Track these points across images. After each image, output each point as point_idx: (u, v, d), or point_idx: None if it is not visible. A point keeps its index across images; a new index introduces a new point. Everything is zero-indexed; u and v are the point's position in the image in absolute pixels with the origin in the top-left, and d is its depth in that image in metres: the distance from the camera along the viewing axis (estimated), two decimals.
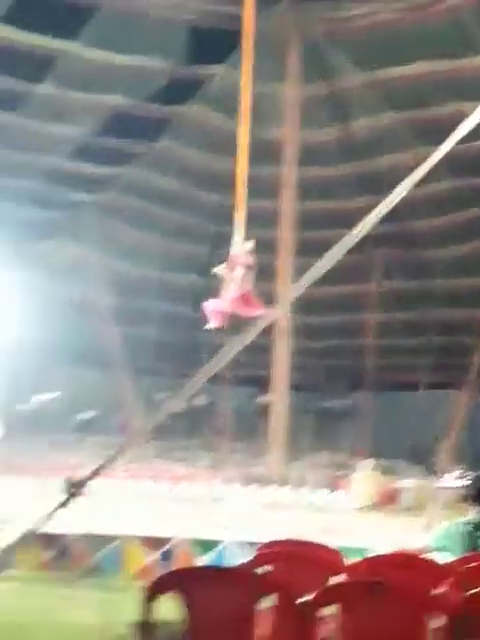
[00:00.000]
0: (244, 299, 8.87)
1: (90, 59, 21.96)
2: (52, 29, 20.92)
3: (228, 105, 24.80)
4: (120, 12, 21.19)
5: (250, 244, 9.36)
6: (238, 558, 5.54)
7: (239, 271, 9.03)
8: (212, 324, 8.97)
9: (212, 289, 30.53)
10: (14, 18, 20.52)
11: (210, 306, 9.00)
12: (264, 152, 25.65)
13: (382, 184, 18.72)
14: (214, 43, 22.76)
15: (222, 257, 30.10)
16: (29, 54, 21.38)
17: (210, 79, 24.16)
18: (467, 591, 3.69)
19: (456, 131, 13.29)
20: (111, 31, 21.45)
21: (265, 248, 24.70)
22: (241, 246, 9.34)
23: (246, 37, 10.54)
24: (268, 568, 4.03)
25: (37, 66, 21.80)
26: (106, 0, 20.64)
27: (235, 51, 24.00)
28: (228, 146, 25.61)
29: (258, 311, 9.20)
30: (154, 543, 6.41)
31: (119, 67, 22.34)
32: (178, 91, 23.74)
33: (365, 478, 20.93)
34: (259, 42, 23.26)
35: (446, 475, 22.49)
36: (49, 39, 21.18)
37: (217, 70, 23.96)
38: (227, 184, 27.07)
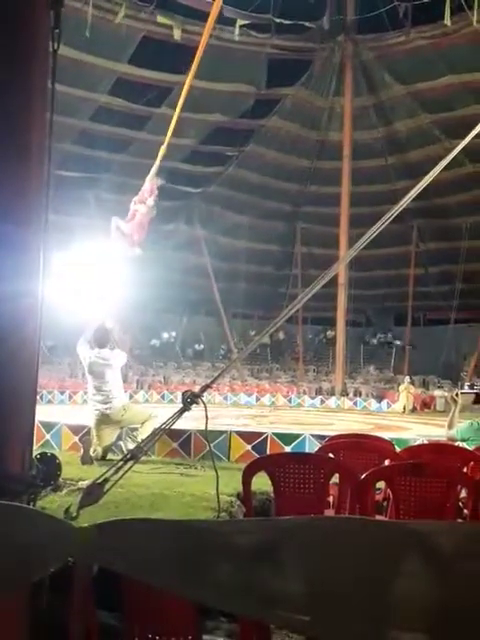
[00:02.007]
0: (139, 228, 7.36)
1: (197, 87, 21.95)
2: (167, 66, 20.94)
3: (297, 116, 24.49)
4: (216, 49, 21.05)
5: (160, 180, 8.06)
6: (314, 448, 5.52)
7: (149, 202, 7.55)
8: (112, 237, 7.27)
9: (286, 255, 30.48)
10: (138, 59, 20.79)
11: (116, 223, 7.29)
12: (327, 150, 25.25)
13: (418, 170, 18.21)
14: (287, 70, 22.61)
15: (293, 231, 29.98)
16: (150, 85, 21.60)
17: (284, 98, 23.90)
18: None
19: (475, 128, 12.74)
20: (211, 65, 21.36)
21: (330, 222, 24.59)
22: (153, 180, 7.83)
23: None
24: (333, 454, 3.98)
25: (157, 95, 21.83)
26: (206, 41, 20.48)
27: (302, 75, 23.63)
28: (297, 146, 25.49)
29: (136, 245, 7.28)
30: (250, 437, 6.41)
31: (217, 92, 22.27)
32: (261, 108, 23.66)
33: (406, 389, 20.59)
34: (324, 66, 22.82)
35: (467, 385, 22.05)
36: (166, 74, 21.20)
37: (289, 91, 23.66)
38: (296, 175, 26.96)
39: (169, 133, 7.71)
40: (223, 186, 26.08)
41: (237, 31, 20.77)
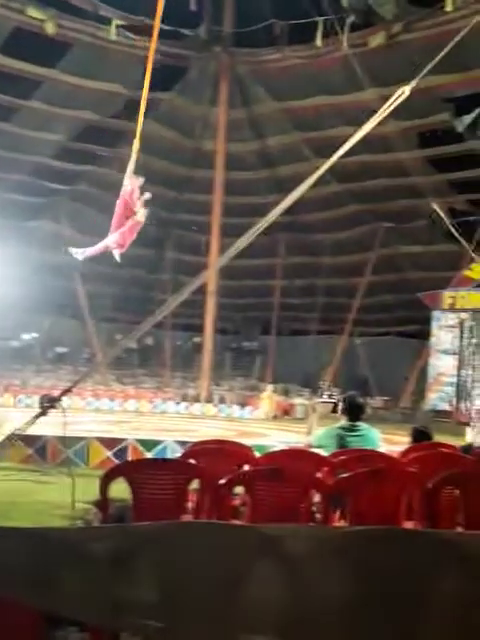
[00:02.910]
0: (129, 235, 7.77)
1: (69, 83, 21.48)
2: (38, 58, 20.29)
3: (174, 122, 24.50)
4: (90, 47, 20.72)
5: (140, 178, 8.29)
6: (176, 454, 5.52)
7: (140, 216, 7.89)
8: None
9: (160, 260, 30.31)
10: (9, 49, 19.89)
11: (115, 238, 7.61)
12: (202, 159, 25.47)
13: (287, 186, 18.82)
14: (163, 75, 22.54)
15: (167, 236, 29.81)
16: (21, 77, 20.77)
17: (160, 102, 23.83)
18: (338, 475, 3.77)
19: (340, 148, 13.37)
20: (84, 62, 20.99)
21: (202, 230, 24.81)
22: (133, 178, 7.99)
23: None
24: (195, 460, 4.01)
25: (27, 87, 21.08)
26: (79, 37, 20.22)
27: (180, 81, 23.74)
28: (171, 152, 25.50)
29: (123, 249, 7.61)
30: (111, 443, 6.31)
31: (90, 90, 21.82)
32: (135, 110, 23.38)
33: (268, 397, 21.20)
34: (201, 76, 23.05)
35: (325, 394, 23.06)
36: (36, 66, 20.54)
37: (166, 96, 23.64)
38: (171, 181, 26.96)
39: (138, 132, 7.68)
40: (93, 185, 25.48)
41: (113, 31, 20.54)
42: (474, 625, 1.79)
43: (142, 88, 23.58)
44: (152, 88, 23.46)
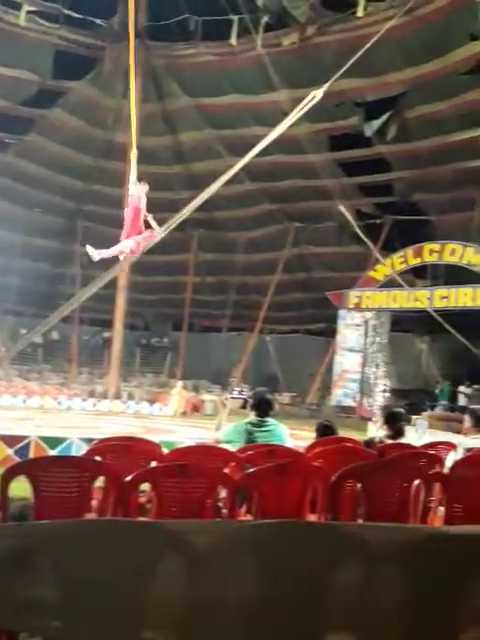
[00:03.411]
0: (145, 241, 8.42)
1: None
2: None
3: (82, 112, 23.97)
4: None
5: (145, 185, 8.60)
6: (81, 451, 5.41)
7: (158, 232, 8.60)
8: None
9: (65, 253, 29.51)
10: None
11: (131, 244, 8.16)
12: (114, 151, 25.03)
13: (200, 182, 18.83)
14: (74, 63, 22.07)
15: (74, 228, 29.11)
16: None
17: (69, 91, 23.25)
18: (245, 470, 3.82)
19: (253, 147, 13.51)
20: None
21: (113, 223, 24.29)
22: (138, 186, 8.44)
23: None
24: (100, 457, 3.95)
25: None
26: None
27: (90, 71, 23.23)
28: (81, 143, 24.92)
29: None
30: (12, 440, 6.11)
31: None
32: (44, 98, 22.75)
33: (178, 393, 21.15)
34: (113, 67, 22.61)
35: (235, 390, 23.27)
36: None
37: (76, 85, 23.09)
38: (79, 172, 26.33)
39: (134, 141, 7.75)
40: (2, 175, 24.53)
41: (23, 16, 19.86)
42: (372, 609, 1.87)
43: (54, 76, 23.06)
44: (62, 77, 22.95)
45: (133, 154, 8.44)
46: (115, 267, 16.15)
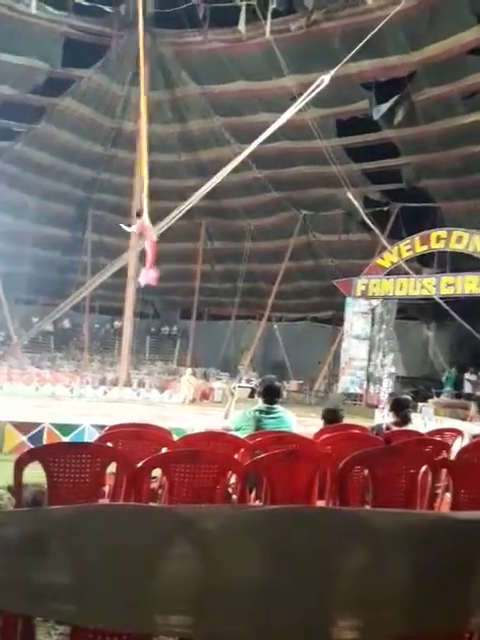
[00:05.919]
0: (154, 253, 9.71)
1: None
2: None
3: (92, 100, 23.90)
4: (9, 20, 19.85)
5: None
6: (93, 438, 5.45)
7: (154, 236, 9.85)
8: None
9: (76, 241, 29.47)
10: None
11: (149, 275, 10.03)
12: (123, 139, 24.99)
13: (208, 170, 18.77)
14: (83, 51, 21.96)
15: (84, 217, 29.07)
16: None
17: (79, 80, 23.17)
18: (254, 457, 3.84)
19: (261, 134, 13.44)
20: (1, 35, 20.08)
21: (123, 212, 24.33)
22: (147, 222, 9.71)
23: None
24: (112, 443, 3.99)
25: None
26: None
27: (99, 59, 23.13)
28: (91, 131, 24.88)
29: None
30: (26, 427, 6.16)
31: (8, 64, 20.93)
32: (54, 87, 22.68)
33: (187, 381, 21.22)
34: (122, 55, 22.48)
35: (244, 378, 23.33)
36: None
37: (84, 73, 22.99)
38: (89, 160, 26.29)
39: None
40: (9, 163, 24.51)
41: (34, 4, 19.74)
42: (380, 594, 1.88)
43: (63, 64, 22.94)
44: (71, 65, 22.83)
45: (144, 183, 9.46)
46: (123, 255, 16.17)
